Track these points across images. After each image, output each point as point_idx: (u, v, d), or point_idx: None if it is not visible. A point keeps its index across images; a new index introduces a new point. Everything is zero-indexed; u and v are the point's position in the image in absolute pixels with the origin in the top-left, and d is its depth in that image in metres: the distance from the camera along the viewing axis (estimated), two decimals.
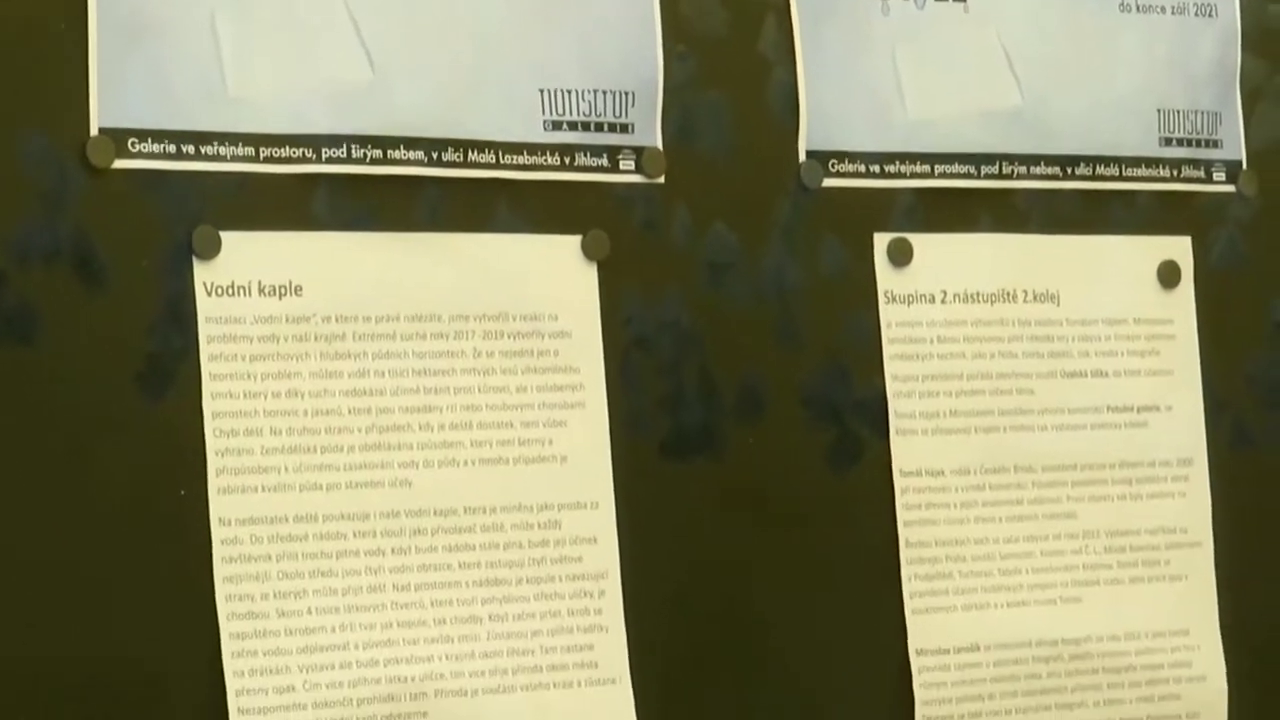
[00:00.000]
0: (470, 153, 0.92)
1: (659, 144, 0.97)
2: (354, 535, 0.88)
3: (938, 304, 1.04)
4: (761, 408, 0.99)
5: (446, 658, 0.90)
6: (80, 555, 0.83)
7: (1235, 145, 1.13)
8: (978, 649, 1.03)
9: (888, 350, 1.02)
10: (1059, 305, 1.07)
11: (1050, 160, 1.07)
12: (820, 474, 1.01)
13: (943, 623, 1.02)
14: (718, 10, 0.99)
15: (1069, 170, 1.07)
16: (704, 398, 0.98)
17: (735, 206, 0.99)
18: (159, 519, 0.85)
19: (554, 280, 0.94)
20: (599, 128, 0.96)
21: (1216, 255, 1.12)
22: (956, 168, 1.05)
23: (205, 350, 0.86)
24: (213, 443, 0.85)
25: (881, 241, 1.02)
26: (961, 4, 1.05)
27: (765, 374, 1.00)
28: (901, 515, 1.02)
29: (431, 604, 0.90)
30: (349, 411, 0.89)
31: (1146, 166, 1.10)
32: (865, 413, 1.02)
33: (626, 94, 0.96)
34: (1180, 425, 1.10)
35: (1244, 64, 1.13)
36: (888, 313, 1.02)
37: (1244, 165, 1.13)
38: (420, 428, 0.90)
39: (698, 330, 0.98)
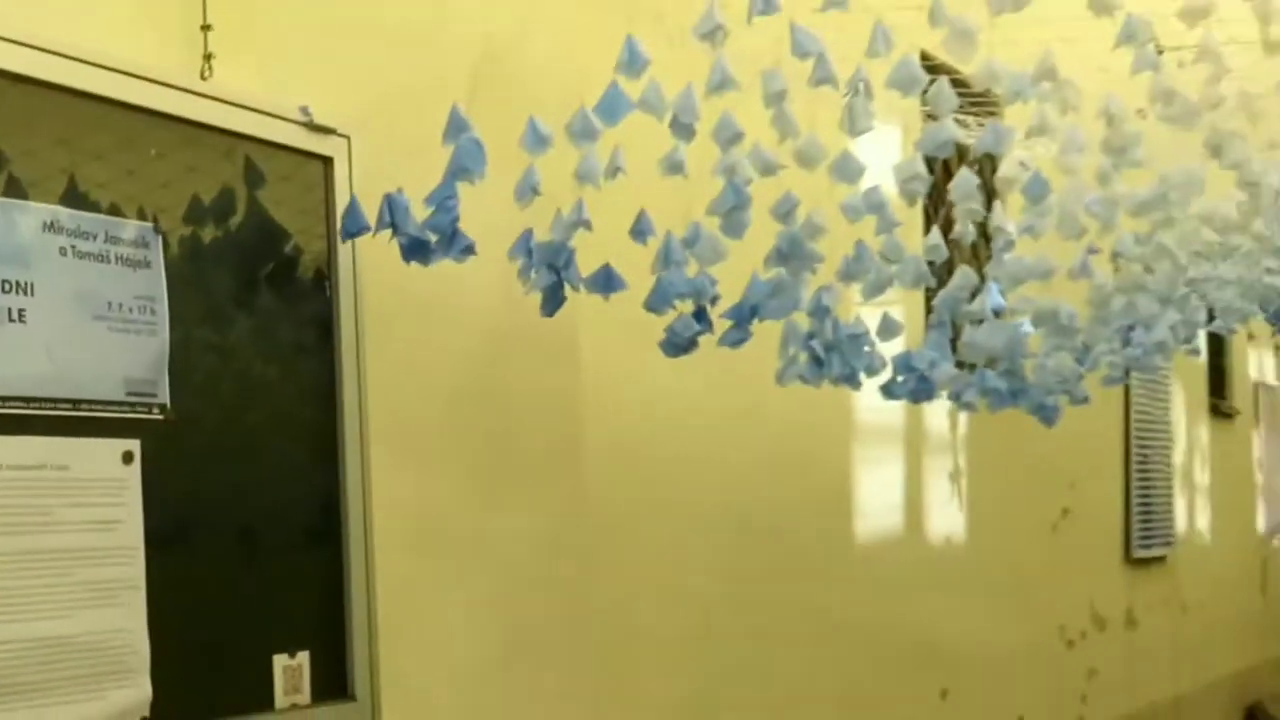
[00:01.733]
0: None
1: None
2: None
3: None
4: None
5: None
6: None
7: (165, 393, 2.09)
8: None
9: None
10: (69, 470, 1.99)
11: (67, 400, 2.00)
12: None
13: None
14: None
15: (77, 406, 2.01)
16: None
17: None
18: None
19: None
20: None
21: (156, 453, 2.10)
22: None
23: None
24: None
25: None
26: (22, 325, 1.96)
27: None
28: None
29: None
30: None
31: (119, 404, 2.04)
32: None
33: None
34: (127, 535, 2.04)
35: (174, 338, 2.11)
36: None
37: (168, 403, 2.10)
38: None
39: None
